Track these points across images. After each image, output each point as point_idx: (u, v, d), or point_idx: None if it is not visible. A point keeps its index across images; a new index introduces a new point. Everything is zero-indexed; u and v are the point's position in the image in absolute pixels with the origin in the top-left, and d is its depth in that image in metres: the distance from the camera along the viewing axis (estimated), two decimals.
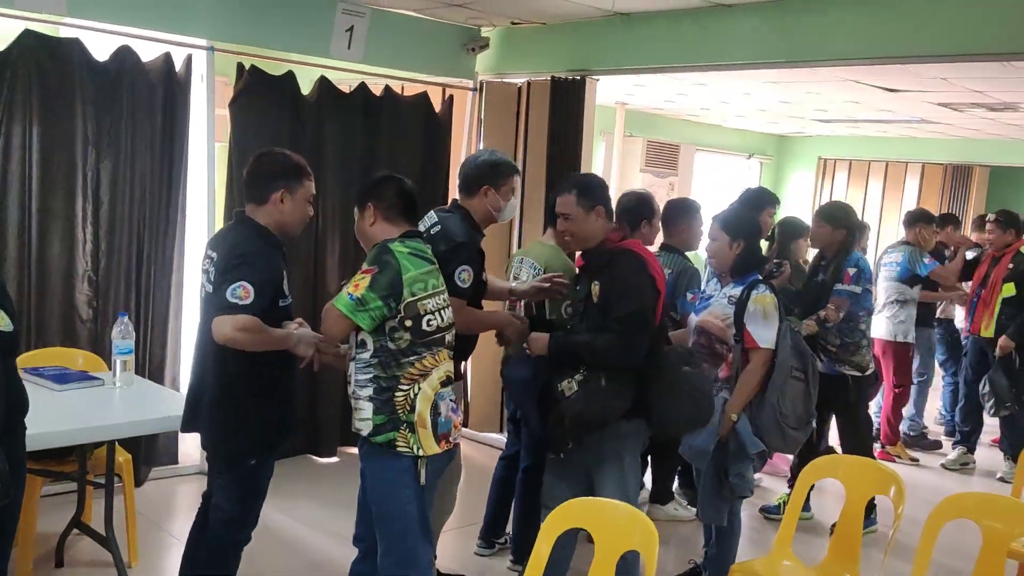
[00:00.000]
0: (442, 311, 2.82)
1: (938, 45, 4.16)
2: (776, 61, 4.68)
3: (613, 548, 2.60)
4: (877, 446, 6.16)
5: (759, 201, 4.70)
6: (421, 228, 3.43)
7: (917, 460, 6.21)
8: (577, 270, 3.52)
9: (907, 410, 6.49)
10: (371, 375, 2.74)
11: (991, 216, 6.15)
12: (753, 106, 8.76)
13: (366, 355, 2.75)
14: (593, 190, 3.23)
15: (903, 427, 6.49)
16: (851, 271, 4.50)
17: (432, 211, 3.47)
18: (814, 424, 3.74)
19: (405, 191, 2.91)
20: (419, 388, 2.74)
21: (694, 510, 4.85)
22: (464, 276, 3.16)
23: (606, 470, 3.25)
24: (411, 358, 2.73)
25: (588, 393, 3.13)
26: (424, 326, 2.74)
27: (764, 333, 3.42)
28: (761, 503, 5.03)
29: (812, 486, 3.47)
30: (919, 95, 6.96)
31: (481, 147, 5.73)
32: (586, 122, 5.37)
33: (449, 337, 2.86)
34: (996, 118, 7.80)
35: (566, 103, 5.36)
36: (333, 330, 2.74)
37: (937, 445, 6.45)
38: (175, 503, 4.68)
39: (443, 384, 2.82)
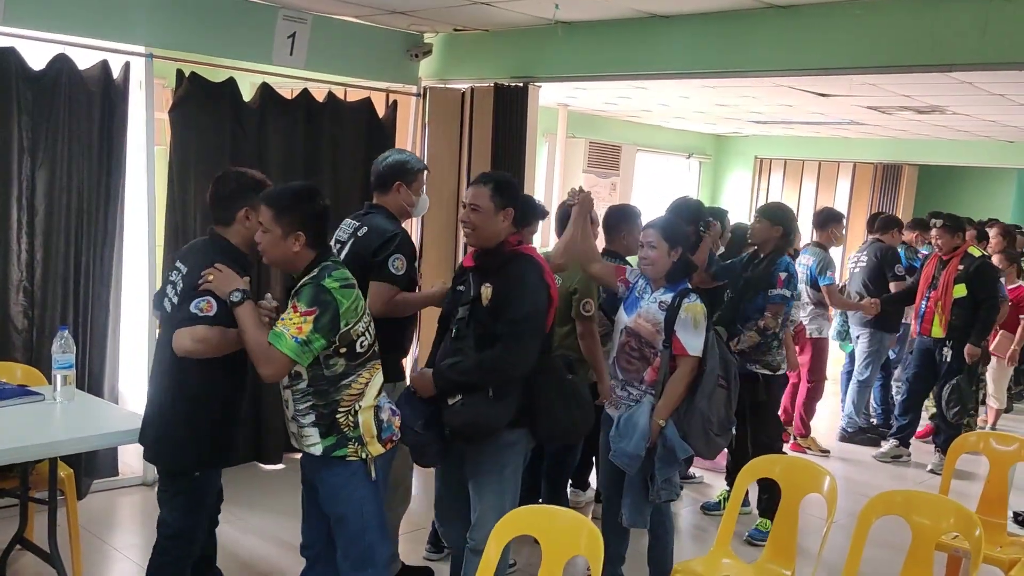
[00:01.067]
0: (368, 328, 2.85)
1: (863, 57, 4.29)
2: (709, 71, 4.80)
3: (560, 553, 2.67)
4: (789, 439, 6.37)
5: (696, 214, 4.82)
6: (343, 236, 3.49)
7: (828, 452, 6.36)
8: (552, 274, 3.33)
9: (845, 406, 6.71)
10: (310, 403, 2.78)
11: (937, 221, 6.33)
12: (691, 108, 8.92)
13: (302, 385, 2.78)
14: (509, 190, 3.13)
15: (842, 423, 6.72)
16: (783, 275, 4.56)
17: (347, 219, 3.57)
18: (734, 428, 3.87)
19: (327, 214, 2.82)
20: (359, 405, 2.80)
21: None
22: (398, 264, 3.31)
23: (486, 482, 3.16)
24: (347, 380, 2.78)
25: (472, 402, 3.04)
26: (357, 349, 2.78)
27: (693, 341, 3.48)
28: (703, 500, 5.16)
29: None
30: (849, 99, 7.17)
31: (426, 152, 5.76)
32: (529, 127, 5.43)
33: (376, 350, 2.89)
34: (924, 120, 8.06)
35: (509, 109, 5.42)
36: (279, 372, 2.70)
37: (874, 441, 6.64)
38: (117, 516, 4.63)
39: (379, 392, 2.88)
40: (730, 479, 4.96)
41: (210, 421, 2.93)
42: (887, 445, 6.39)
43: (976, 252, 6.19)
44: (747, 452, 4.60)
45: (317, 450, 2.81)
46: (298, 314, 2.65)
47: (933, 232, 6.31)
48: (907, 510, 3.10)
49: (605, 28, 4.92)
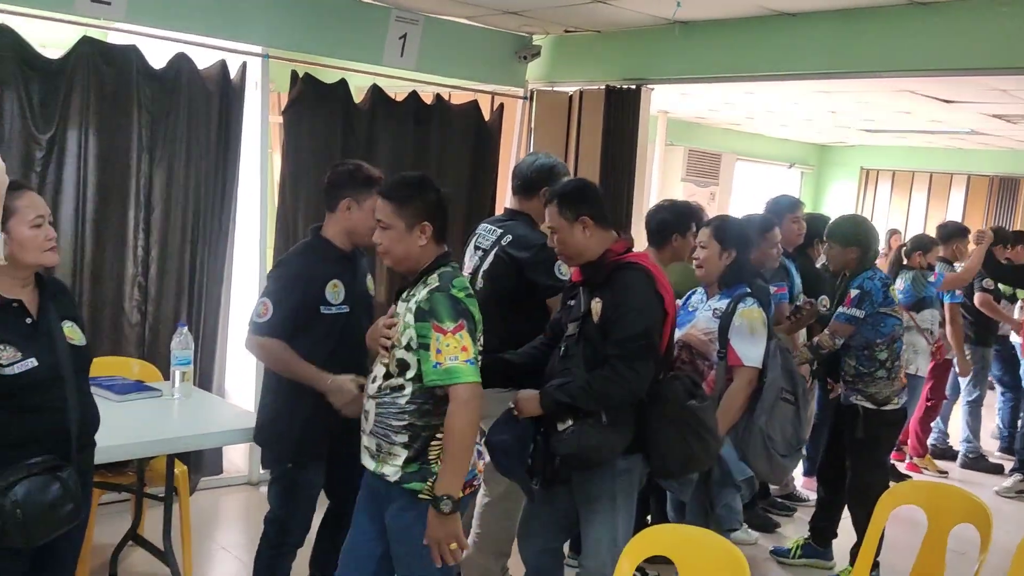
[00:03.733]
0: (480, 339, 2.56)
1: (1001, 58, 4.02)
2: (840, 72, 4.56)
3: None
4: (906, 458, 6.09)
5: (777, 208, 4.56)
6: (484, 244, 3.37)
7: (946, 473, 6.02)
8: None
9: (961, 431, 6.33)
10: (406, 422, 2.44)
11: None
12: (799, 115, 8.64)
13: (401, 400, 2.44)
14: (574, 198, 2.83)
15: (961, 448, 6.35)
16: (853, 292, 4.01)
17: (484, 223, 3.43)
18: (804, 451, 3.50)
19: (447, 204, 2.59)
20: None
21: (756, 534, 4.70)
22: (564, 268, 3.14)
23: (598, 509, 2.88)
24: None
25: (583, 430, 2.74)
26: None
27: (750, 350, 3.21)
28: (774, 544, 4.62)
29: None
30: (974, 106, 6.83)
31: None
32: (640, 131, 5.28)
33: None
34: None
35: (620, 112, 5.27)
36: (478, 407, 2.38)
37: (998, 469, 6.24)
38: (223, 513, 4.63)
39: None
40: (815, 528, 4.42)
41: (303, 416, 2.91)
42: (1011, 480, 5.87)
43: None
44: (839, 499, 4.24)
45: (393, 473, 2.45)
46: (448, 334, 2.35)
47: None
48: None
49: (725, 27, 4.74)
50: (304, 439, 2.94)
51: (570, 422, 2.75)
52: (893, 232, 9.90)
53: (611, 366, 2.71)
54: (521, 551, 3.21)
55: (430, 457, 2.42)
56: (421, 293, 2.43)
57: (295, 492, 3.02)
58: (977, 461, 6.29)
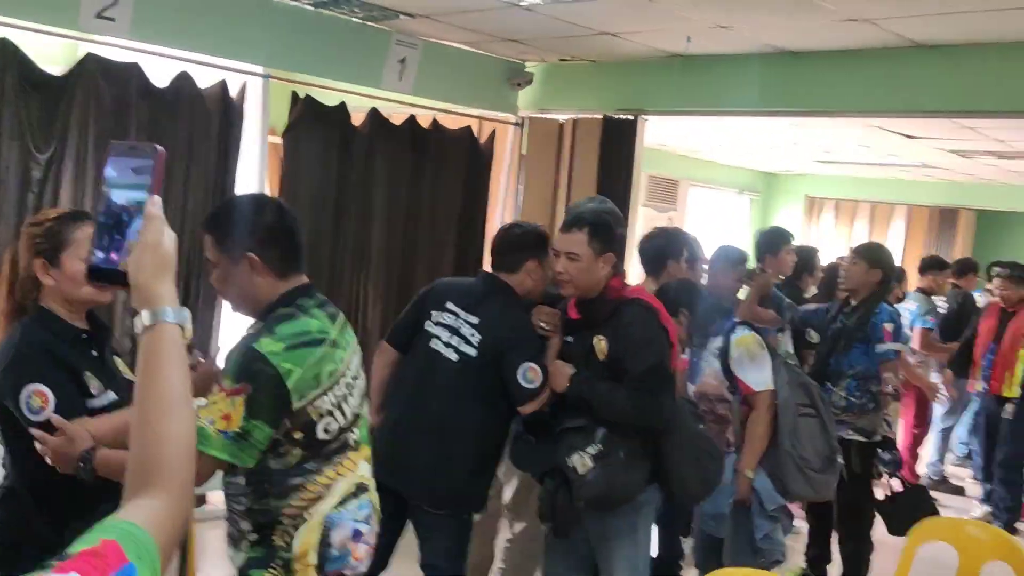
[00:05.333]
0: (343, 402, 2.04)
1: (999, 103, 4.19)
2: (837, 110, 4.70)
3: None
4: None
5: (774, 239, 4.68)
6: None
7: (936, 500, 6.21)
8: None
9: (931, 455, 6.55)
10: (245, 507, 2.02)
11: (1001, 270, 5.89)
12: (761, 145, 8.83)
13: (240, 480, 2.00)
14: (610, 232, 2.78)
15: (927, 471, 6.56)
16: (888, 327, 4.06)
17: None
18: (840, 460, 3.44)
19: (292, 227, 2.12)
20: (307, 516, 1.99)
21: None
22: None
23: (618, 546, 2.85)
24: (298, 479, 1.99)
25: (607, 470, 2.72)
26: (320, 434, 2.00)
27: (756, 375, 3.24)
28: None
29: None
30: (935, 142, 7.07)
31: (523, 182, 5.65)
32: (636, 162, 5.31)
33: (355, 437, 2.09)
34: (998, 164, 7.97)
35: (616, 142, 5.30)
36: (202, 475, 1.84)
37: (959, 490, 6.46)
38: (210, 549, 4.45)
39: (346, 499, 2.05)
40: (811, 559, 4.44)
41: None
42: (980, 511, 5.99)
43: None
44: (826, 524, 4.26)
45: (237, 558, 2.04)
46: (221, 392, 1.92)
47: (995, 283, 5.86)
48: None
49: (725, 62, 4.82)
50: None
51: (590, 464, 2.73)
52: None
53: (637, 393, 2.70)
54: None
55: (274, 542, 1.99)
56: None
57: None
58: (938, 484, 6.51)
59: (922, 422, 6.21)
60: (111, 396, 2.10)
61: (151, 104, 4.17)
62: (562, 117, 5.63)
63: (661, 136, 8.90)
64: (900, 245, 10.81)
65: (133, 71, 4.11)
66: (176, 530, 0.87)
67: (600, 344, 2.75)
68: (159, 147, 1.01)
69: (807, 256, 5.09)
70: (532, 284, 3.02)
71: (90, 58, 3.97)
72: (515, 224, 3.31)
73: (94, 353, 2.15)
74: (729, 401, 3.33)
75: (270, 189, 4.78)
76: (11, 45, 3.74)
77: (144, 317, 0.97)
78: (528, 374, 2.83)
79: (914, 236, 10.90)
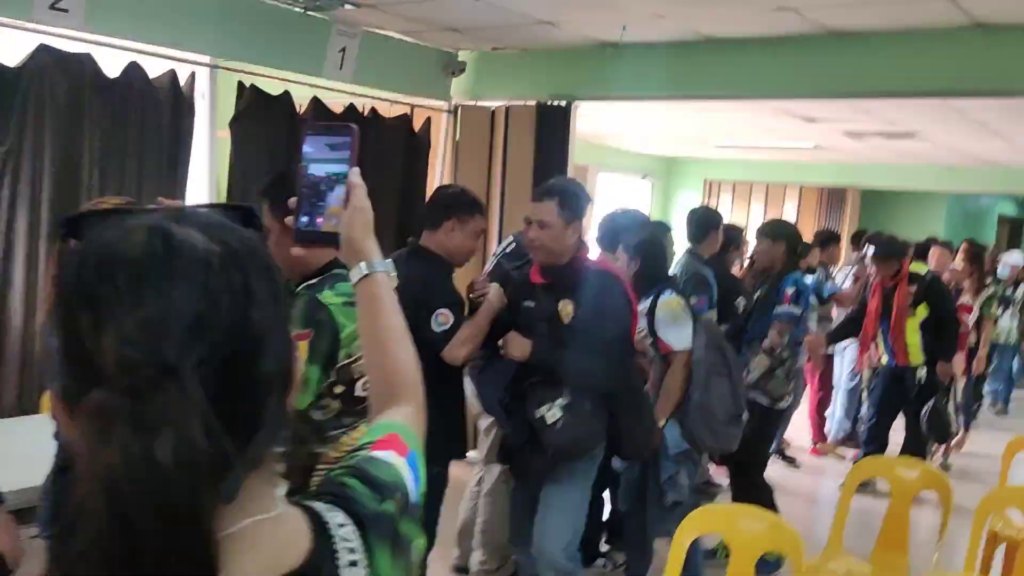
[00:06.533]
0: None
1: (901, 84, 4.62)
2: (757, 94, 5.06)
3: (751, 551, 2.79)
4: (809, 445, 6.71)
5: (708, 222, 4.92)
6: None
7: (843, 457, 6.71)
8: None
9: (837, 411, 7.06)
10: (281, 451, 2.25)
11: (871, 248, 5.97)
12: (667, 131, 9.24)
13: None
14: (578, 201, 2.98)
15: (832, 428, 7.08)
16: (790, 291, 4.34)
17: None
18: (745, 417, 3.69)
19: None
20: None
21: None
22: None
23: (567, 497, 3.05)
24: (336, 431, 2.21)
25: (575, 420, 2.91)
26: (358, 391, 2.22)
27: (676, 335, 3.50)
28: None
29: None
30: (832, 124, 7.58)
31: (458, 169, 5.83)
32: (571, 147, 5.56)
33: None
34: (885, 145, 8.58)
35: (551, 129, 5.53)
36: None
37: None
38: None
39: None
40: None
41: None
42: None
43: (922, 269, 5.85)
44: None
45: None
46: None
47: (867, 259, 6.10)
48: None
49: (657, 50, 5.10)
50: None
51: (559, 413, 2.91)
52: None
53: (603, 358, 2.90)
54: (518, 556, 3.36)
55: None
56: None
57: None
58: (844, 440, 7.03)
59: (825, 385, 6.67)
60: None
61: (103, 94, 4.17)
62: (493, 104, 5.83)
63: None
64: (793, 223, 11.46)
65: (86, 62, 4.10)
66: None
67: (567, 308, 2.92)
68: (354, 126, 1.17)
69: (733, 234, 5.47)
70: (454, 245, 3.07)
71: (42, 49, 3.94)
72: (444, 185, 3.40)
73: None
74: (649, 356, 3.58)
75: (221, 177, 4.81)
76: None
77: (361, 268, 1.14)
78: (439, 319, 2.91)
79: (806, 215, 11.59)
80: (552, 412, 2.92)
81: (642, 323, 3.58)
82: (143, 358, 0.62)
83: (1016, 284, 8.80)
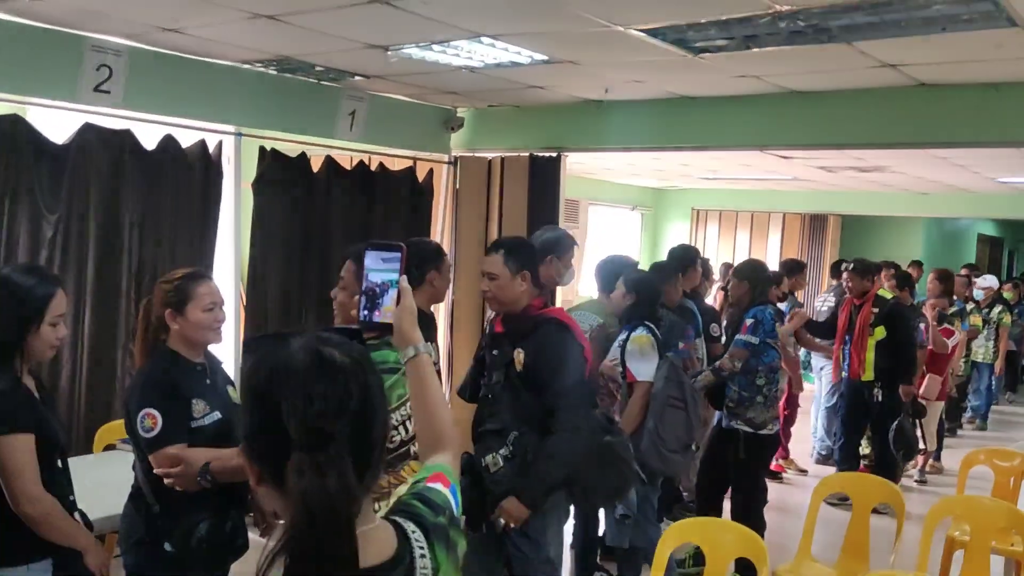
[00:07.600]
0: (407, 420, 2.64)
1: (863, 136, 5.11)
2: (732, 145, 5.58)
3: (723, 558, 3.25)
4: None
5: (687, 257, 5.44)
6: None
7: (806, 471, 7.17)
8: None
9: (817, 431, 7.52)
10: None
11: (848, 265, 6.52)
12: (653, 166, 9.75)
13: None
14: (521, 253, 3.17)
15: (816, 447, 7.53)
16: (748, 322, 4.67)
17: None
18: (695, 448, 4.15)
19: None
20: None
21: None
22: None
23: (527, 551, 3.17)
24: None
25: (512, 470, 3.08)
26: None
27: (641, 367, 3.91)
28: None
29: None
30: (804, 160, 8.10)
31: (457, 214, 6.33)
32: (560, 191, 6.06)
33: (415, 449, 2.49)
34: (858, 176, 9.10)
35: (543, 177, 6.04)
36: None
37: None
38: None
39: None
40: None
41: None
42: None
43: (888, 294, 6.39)
44: (716, 510, 4.89)
45: None
46: None
47: (844, 276, 6.49)
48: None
49: (636, 105, 5.62)
50: None
51: (501, 463, 3.11)
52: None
53: (562, 420, 3.07)
54: None
55: None
56: None
57: None
58: (827, 457, 7.47)
59: (790, 405, 7.04)
60: (215, 416, 2.68)
61: (142, 164, 4.66)
62: (490, 155, 6.34)
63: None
64: (777, 250, 11.97)
65: (126, 136, 4.59)
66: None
67: (519, 356, 3.12)
68: (403, 244, 1.63)
69: (705, 266, 5.99)
70: (440, 289, 3.28)
71: (87, 127, 4.44)
72: (408, 241, 3.58)
73: (208, 382, 2.72)
74: (618, 383, 4.00)
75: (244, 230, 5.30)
76: (23, 120, 4.19)
77: (409, 351, 1.57)
78: None
79: (790, 241, 12.08)
80: (495, 460, 3.13)
81: (615, 352, 4.01)
82: (317, 430, 1.10)
83: (991, 305, 9.34)
